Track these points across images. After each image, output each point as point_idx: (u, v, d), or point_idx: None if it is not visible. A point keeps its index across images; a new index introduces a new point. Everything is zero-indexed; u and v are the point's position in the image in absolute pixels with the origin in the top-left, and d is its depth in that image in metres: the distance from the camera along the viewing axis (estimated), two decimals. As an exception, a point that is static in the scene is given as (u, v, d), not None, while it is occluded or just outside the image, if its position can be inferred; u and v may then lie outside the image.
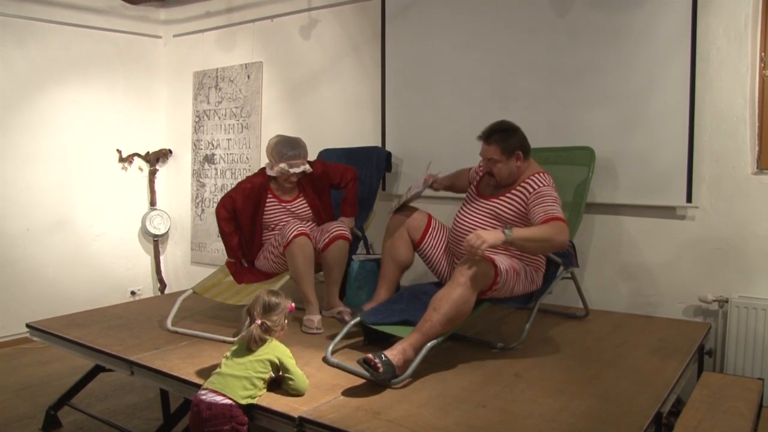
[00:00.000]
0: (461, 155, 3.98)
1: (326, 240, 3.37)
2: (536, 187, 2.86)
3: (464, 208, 3.09)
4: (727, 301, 3.22)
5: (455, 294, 2.54)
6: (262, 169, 3.59)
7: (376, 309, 2.93)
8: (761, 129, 3.17)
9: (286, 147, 3.44)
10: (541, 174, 2.93)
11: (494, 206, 2.96)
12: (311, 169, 3.50)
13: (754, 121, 3.18)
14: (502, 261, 2.76)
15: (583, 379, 2.49)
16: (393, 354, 2.42)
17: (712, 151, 3.27)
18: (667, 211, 3.41)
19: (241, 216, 3.47)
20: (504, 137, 2.92)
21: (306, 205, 3.58)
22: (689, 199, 3.30)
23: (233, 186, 3.63)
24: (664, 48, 3.31)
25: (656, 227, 3.45)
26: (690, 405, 2.43)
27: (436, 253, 3.15)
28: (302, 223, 3.40)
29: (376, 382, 2.38)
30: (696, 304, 3.36)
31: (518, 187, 2.93)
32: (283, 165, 3.41)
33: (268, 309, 2.40)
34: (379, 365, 2.33)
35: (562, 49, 3.62)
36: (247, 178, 3.61)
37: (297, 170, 3.43)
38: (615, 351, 2.84)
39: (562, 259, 3.09)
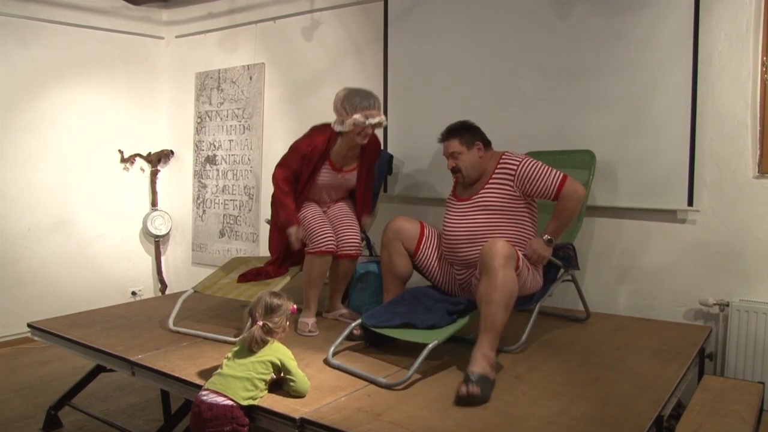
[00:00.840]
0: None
1: (339, 254, 3.31)
2: (514, 164, 2.97)
3: (450, 216, 3.11)
4: (727, 305, 3.22)
5: (498, 278, 2.52)
6: (321, 129, 3.33)
7: (377, 311, 2.93)
8: (762, 133, 3.18)
9: (360, 97, 3.18)
10: (508, 153, 3.04)
11: (479, 200, 3.00)
12: (386, 122, 3.32)
13: (755, 125, 3.19)
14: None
15: (583, 381, 2.49)
16: (479, 367, 2.38)
17: (714, 155, 3.28)
18: (668, 215, 3.41)
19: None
20: (461, 131, 3.06)
21: (355, 177, 3.45)
22: (690, 202, 3.30)
23: (289, 149, 3.36)
24: (666, 51, 3.31)
25: (657, 230, 3.46)
26: (691, 408, 2.43)
27: (432, 261, 3.16)
28: (331, 231, 3.26)
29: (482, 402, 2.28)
30: (697, 308, 3.37)
31: (495, 174, 3.00)
32: (357, 116, 3.13)
33: (270, 310, 2.39)
34: (477, 390, 2.26)
35: (564, 52, 3.62)
36: (307, 139, 3.31)
37: (374, 121, 3.16)
38: (616, 354, 2.84)
39: (563, 262, 3.10)
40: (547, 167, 2.95)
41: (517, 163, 2.97)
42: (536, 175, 2.92)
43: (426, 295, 3.08)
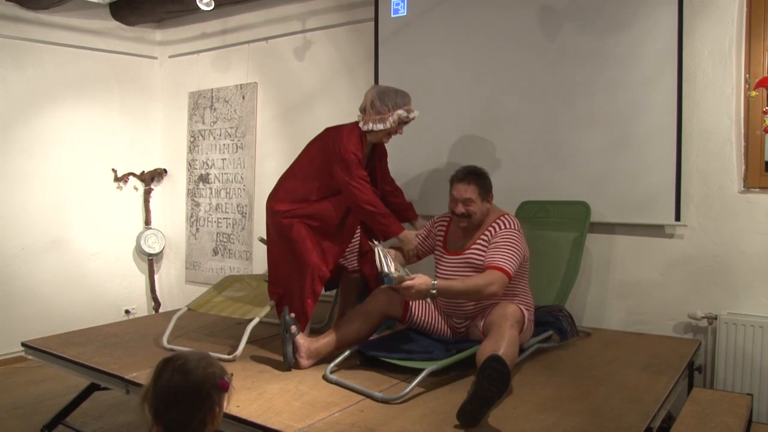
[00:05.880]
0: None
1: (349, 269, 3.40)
2: (500, 229, 2.90)
3: (440, 271, 3.05)
4: (716, 318, 3.26)
5: (506, 338, 2.51)
6: (348, 131, 3.20)
7: (376, 343, 2.98)
8: (747, 148, 3.24)
9: (396, 94, 3.17)
10: (506, 217, 2.96)
11: (467, 258, 2.96)
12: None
13: (740, 141, 3.25)
14: (525, 312, 2.80)
15: (574, 395, 2.52)
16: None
17: (700, 171, 3.34)
18: (657, 230, 3.46)
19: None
20: (480, 178, 2.97)
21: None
22: (678, 217, 3.35)
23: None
24: (651, 70, 3.38)
25: (646, 246, 3.50)
26: (680, 420, 2.46)
27: (422, 319, 3.06)
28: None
29: (485, 392, 2.21)
30: (686, 321, 3.41)
31: (486, 232, 2.94)
32: (401, 111, 3.13)
33: (169, 400, 1.52)
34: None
35: (551, 71, 3.68)
36: (348, 143, 3.13)
37: (414, 114, 3.19)
38: (606, 368, 2.87)
39: (560, 336, 3.13)
40: (510, 249, 2.81)
41: (504, 227, 2.90)
42: (498, 243, 2.84)
43: (426, 336, 3.08)
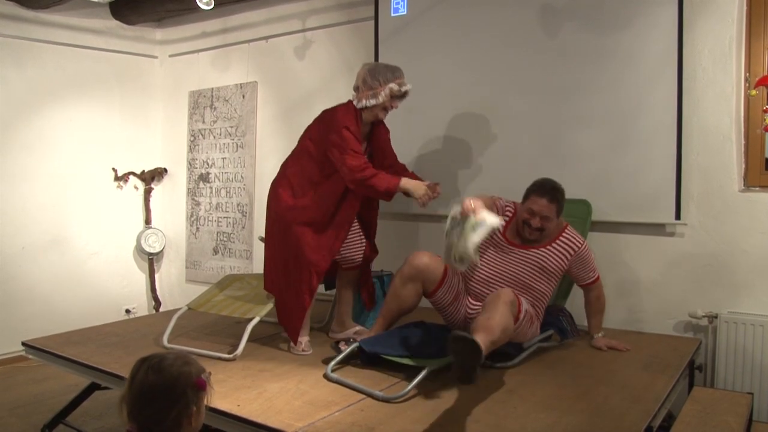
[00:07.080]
0: (453, 174, 4.03)
1: (345, 266, 3.36)
2: (578, 244, 3.07)
3: (498, 255, 3.07)
4: (716, 317, 3.25)
5: (498, 311, 2.57)
6: (344, 110, 3.17)
7: (376, 339, 2.97)
8: (747, 147, 3.24)
9: (387, 68, 3.16)
10: (572, 228, 3.12)
11: (538, 257, 3.03)
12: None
13: (740, 140, 3.25)
14: (523, 302, 2.84)
15: (574, 394, 2.51)
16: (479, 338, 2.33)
17: (700, 169, 3.33)
18: (657, 228, 3.46)
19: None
20: (560, 198, 3.03)
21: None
22: (678, 216, 3.35)
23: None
24: (651, 68, 3.38)
25: (646, 244, 3.50)
26: (680, 419, 2.45)
27: (448, 300, 3.06)
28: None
29: (464, 364, 2.27)
30: (686, 320, 3.40)
31: (559, 241, 3.05)
32: (393, 84, 3.10)
33: (142, 399, 1.52)
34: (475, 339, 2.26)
35: (552, 70, 3.67)
36: (344, 119, 3.10)
37: (407, 87, 3.16)
38: (606, 367, 2.87)
39: (561, 335, 3.17)
40: (593, 260, 3.13)
41: (581, 244, 3.07)
42: (588, 262, 3.10)
43: (426, 332, 3.09)
